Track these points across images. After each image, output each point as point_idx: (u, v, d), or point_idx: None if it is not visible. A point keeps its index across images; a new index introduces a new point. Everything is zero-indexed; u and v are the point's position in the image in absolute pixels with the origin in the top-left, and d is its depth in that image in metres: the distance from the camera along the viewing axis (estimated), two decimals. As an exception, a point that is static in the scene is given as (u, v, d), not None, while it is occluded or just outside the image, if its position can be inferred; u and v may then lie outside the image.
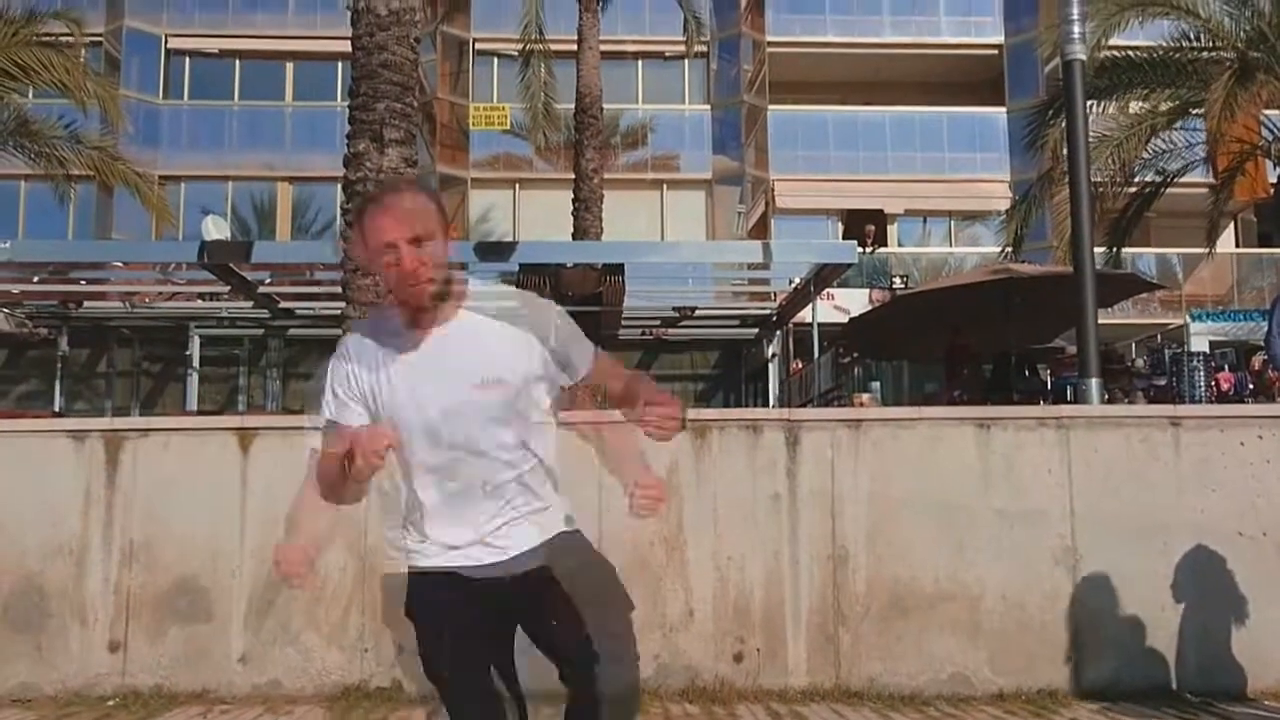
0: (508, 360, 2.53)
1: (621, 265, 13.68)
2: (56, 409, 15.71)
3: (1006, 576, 5.50)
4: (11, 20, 14.29)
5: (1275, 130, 14.94)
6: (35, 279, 14.95)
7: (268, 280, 14.78)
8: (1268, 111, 14.97)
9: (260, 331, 16.92)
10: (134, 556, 5.58)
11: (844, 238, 23.63)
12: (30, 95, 16.65)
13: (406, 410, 2.51)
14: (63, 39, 16.02)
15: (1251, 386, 13.78)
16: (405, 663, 5.40)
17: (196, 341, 16.57)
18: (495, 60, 26.34)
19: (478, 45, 26.57)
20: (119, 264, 15.09)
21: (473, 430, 2.52)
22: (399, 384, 2.53)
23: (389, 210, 2.44)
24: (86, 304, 15.88)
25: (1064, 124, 9.40)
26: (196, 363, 16.56)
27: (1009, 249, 17.64)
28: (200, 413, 14.72)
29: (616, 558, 5.45)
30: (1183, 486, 5.56)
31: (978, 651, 5.45)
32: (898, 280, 22.78)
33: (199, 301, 16.21)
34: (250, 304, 15.39)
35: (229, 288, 14.37)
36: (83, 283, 15.31)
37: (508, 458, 2.58)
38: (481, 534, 2.57)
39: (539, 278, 13.72)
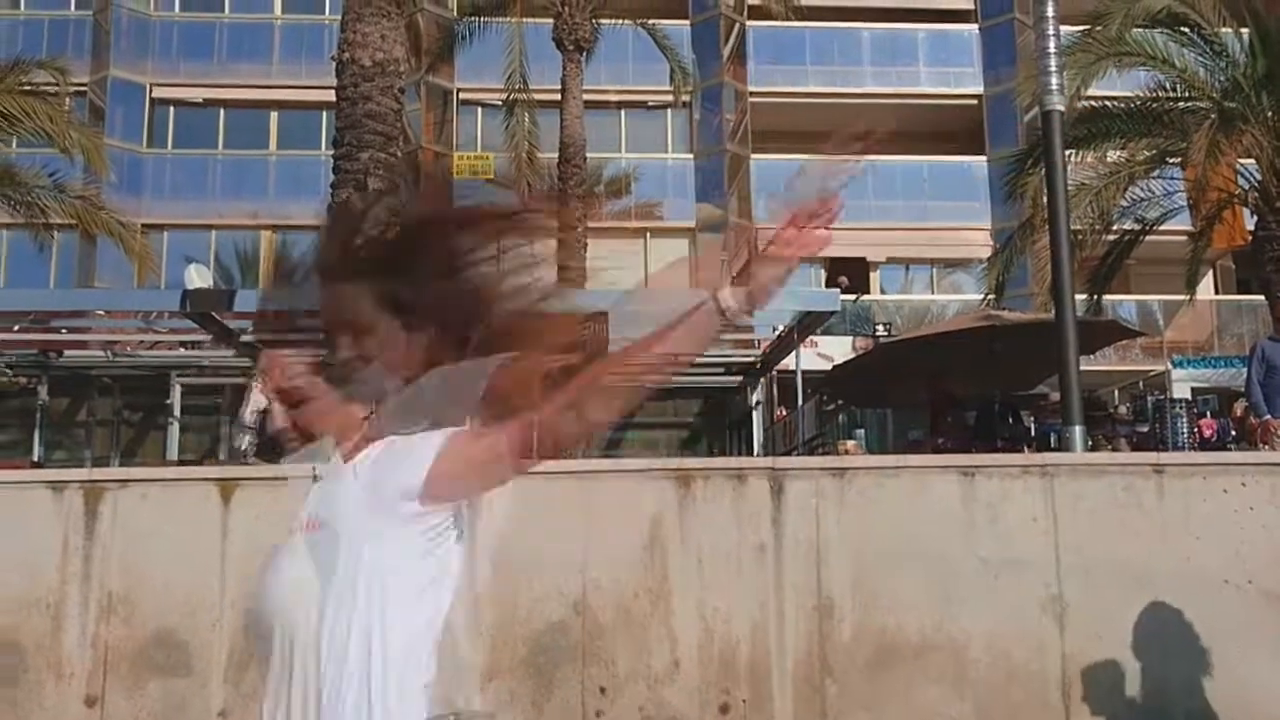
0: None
1: (605, 313, 13.72)
2: (35, 459, 15.60)
3: (993, 626, 5.47)
4: (-5, 69, 14.33)
5: (1252, 179, 15.09)
6: (15, 327, 14.89)
7: (250, 329, 14.75)
8: (1244, 161, 15.14)
9: (242, 380, 16.86)
10: (112, 609, 5.51)
11: (826, 286, 23.75)
12: (14, 145, 16.67)
13: None
14: (46, 88, 16.05)
15: (1234, 433, 13.83)
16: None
17: (178, 390, 16.49)
18: (479, 110, 26.50)
19: (462, 95, 26.74)
20: (100, 312, 15.05)
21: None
22: None
23: None
24: (67, 353, 15.81)
25: (1043, 173, 9.50)
26: (178, 411, 16.48)
27: (990, 296, 17.75)
28: (181, 462, 14.63)
29: (602, 609, 5.42)
30: (1167, 534, 5.56)
31: (964, 702, 5.41)
32: (881, 328, 22.86)
33: (181, 350, 16.16)
34: (232, 352, 15.35)
35: (211, 336, 14.34)
36: (64, 331, 15.25)
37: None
38: None
39: (523, 325, 13.74)
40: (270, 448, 10.91)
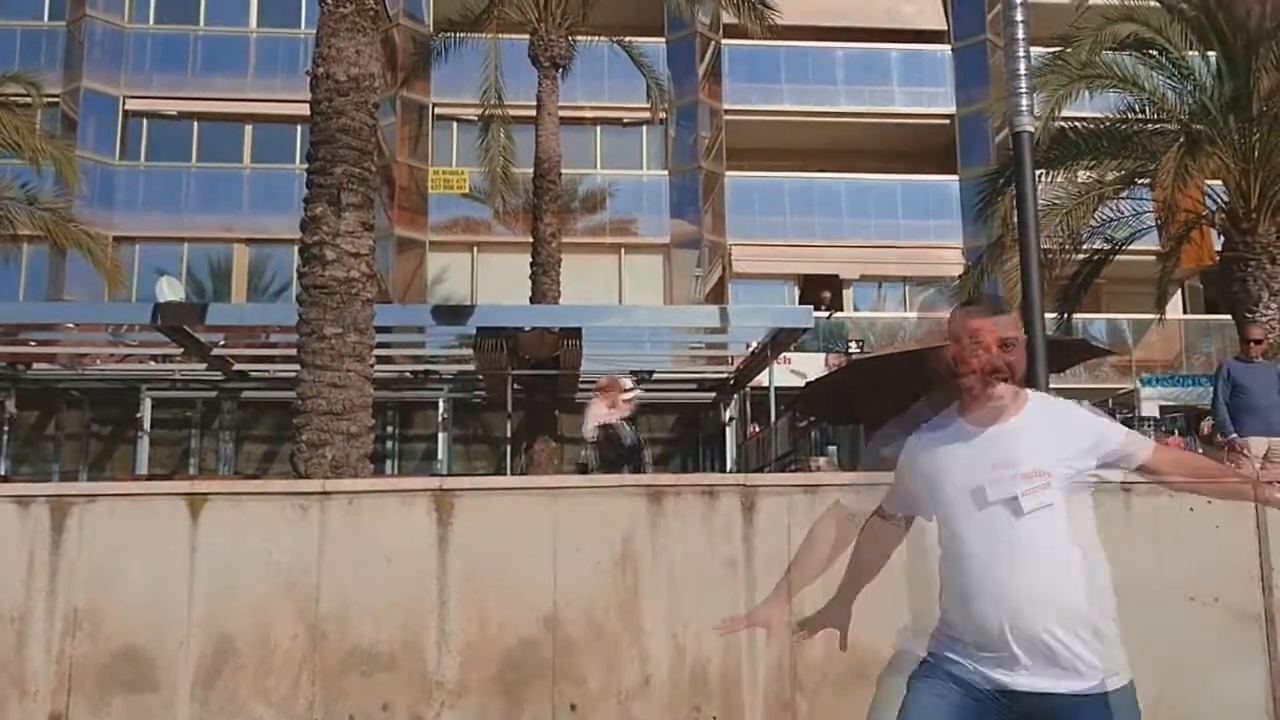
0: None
1: (579, 329, 13.73)
2: (2, 473, 15.46)
3: (962, 642, 5.49)
4: (-36, 81, 14.20)
5: (1219, 200, 15.26)
6: (-17, 340, 14.78)
7: (221, 342, 14.70)
8: (1211, 182, 15.30)
9: (213, 394, 16.79)
10: (78, 625, 5.46)
11: (800, 302, 23.84)
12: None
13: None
14: (16, 99, 15.94)
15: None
16: (356, 733, 5.30)
17: (148, 404, 16.40)
18: (455, 125, 26.47)
19: (437, 110, 26.72)
20: (70, 325, 14.95)
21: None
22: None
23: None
24: (36, 365, 15.69)
25: (1014, 192, 9.57)
26: (148, 425, 16.37)
27: (962, 314, 17.79)
28: (151, 477, 14.53)
29: (573, 626, 5.41)
30: (1134, 552, 5.59)
31: (934, 719, 5.42)
32: (854, 344, 22.97)
33: (151, 363, 16.08)
34: (204, 366, 15.27)
35: (182, 350, 14.27)
36: (33, 344, 15.14)
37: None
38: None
39: (496, 341, 13.72)
40: (620, 459, 11.84)
